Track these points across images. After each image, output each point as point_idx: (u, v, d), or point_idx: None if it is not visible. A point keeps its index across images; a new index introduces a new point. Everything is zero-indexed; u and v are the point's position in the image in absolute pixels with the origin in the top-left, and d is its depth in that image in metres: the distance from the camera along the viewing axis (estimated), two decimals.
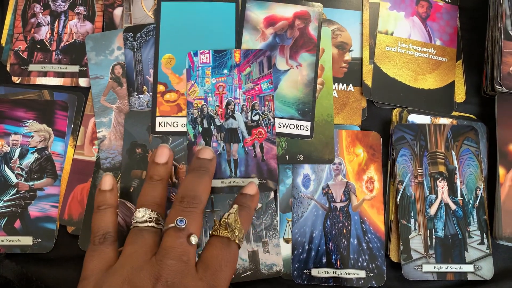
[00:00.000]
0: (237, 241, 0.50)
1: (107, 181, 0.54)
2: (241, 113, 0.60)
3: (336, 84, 0.64)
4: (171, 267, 0.46)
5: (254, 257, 0.57)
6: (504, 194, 0.60)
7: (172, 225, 0.48)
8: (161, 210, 0.52)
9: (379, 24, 0.66)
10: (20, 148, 0.61)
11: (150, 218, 0.50)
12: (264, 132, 0.59)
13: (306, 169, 0.61)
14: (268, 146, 0.59)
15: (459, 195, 0.61)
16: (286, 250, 0.59)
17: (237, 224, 0.50)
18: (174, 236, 0.47)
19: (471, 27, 0.68)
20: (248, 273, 0.57)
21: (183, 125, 0.60)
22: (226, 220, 0.50)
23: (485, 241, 0.60)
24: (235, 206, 0.51)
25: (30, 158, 0.60)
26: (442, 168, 0.61)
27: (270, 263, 0.57)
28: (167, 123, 0.60)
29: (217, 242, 0.49)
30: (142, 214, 0.50)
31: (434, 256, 0.59)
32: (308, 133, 0.61)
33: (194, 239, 0.47)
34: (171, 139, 0.60)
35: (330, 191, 0.61)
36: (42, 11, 0.65)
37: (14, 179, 0.60)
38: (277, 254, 0.58)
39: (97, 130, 0.61)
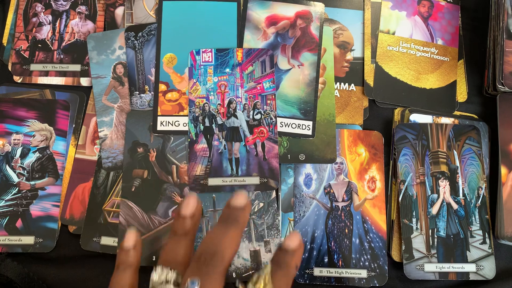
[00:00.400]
0: None
1: (130, 238, 0.48)
2: (242, 112, 0.60)
3: (338, 83, 0.64)
4: None
5: (256, 256, 0.57)
6: (506, 194, 0.60)
7: (185, 286, 0.41)
8: (183, 269, 0.45)
9: (381, 24, 0.66)
10: (21, 148, 0.60)
11: (167, 279, 0.44)
12: (265, 131, 0.59)
13: (308, 168, 0.61)
14: (270, 145, 0.59)
15: (461, 194, 0.61)
16: None
17: None
18: None
19: (472, 27, 0.68)
20: (250, 272, 0.57)
21: (185, 124, 0.60)
22: (253, 286, 0.42)
23: (487, 240, 0.59)
24: (268, 266, 0.43)
25: (32, 158, 0.60)
26: (444, 168, 0.61)
27: None
28: (168, 122, 0.60)
29: None
30: (159, 275, 0.44)
31: (436, 255, 0.58)
32: (310, 132, 0.61)
33: None
34: (172, 138, 0.60)
35: (332, 191, 0.60)
36: (43, 10, 0.65)
37: (15, 179, 0.60)
38: None
39: (99, 130, 0.61)
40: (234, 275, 0.57)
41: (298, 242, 0.45)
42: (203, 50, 0.61)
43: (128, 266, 0.47)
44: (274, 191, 0.59)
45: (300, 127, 0.61)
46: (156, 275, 0.43)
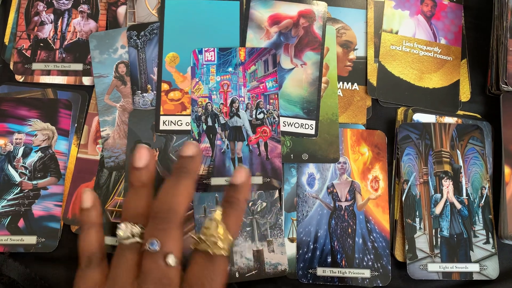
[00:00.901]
0: (222, 253, 0.45)
1: (88, 199, 0.50)
2: (245, 111, 0.60)
3: (341, 83, 0.64)
4: None
5: (259, 256, 0.57)
6: (510, 193, 0.60)
7: (146, 247, 0.44)
8: (146, 220, 0.47)
9: (384, 23, 0.66)
10: (23, 147, 0.60)
11: (133, 233, 0.46)
12: (268, 131, 0.59)
13: (311, 168, 0.61)
14: (273, 145, 0.59)
15: (464, 194, 0.60)
16: (291, 249, 0.58)
17: (220, 233, 0.45)
18: (150, 259, 0.44)
19: (476, 26, 0.68)
20: (253, 272, 0.57)
21: (187, 124, 0.60)
22: (206, 232, 0.45)
23: (491, 240, 0.59)
24: (218, 211, 0.47)
25: (34, 157, 0.60)
26: (447, 167, 0.61)
27: (275, 262, 0.57)
28: (171, 121, 0.60)
29: (198, 258, 0.45)
30: (124, 231, 0.46)
31: (439, 255, 0.58)
32: (313, 132, 0.60)
33: (171, 260, 0.43)
34: (175, 137, 0.60)
35: (335, 190, 0.60)
36: (45, 9, 0.65)
37: (17, 178, 0.59)
38: (282, 254, 0.57)
39: (101, 129, 0.61)
40: (237, 275, 0.56)
41: (245, 176, 0.48)
42: (206, 49, 0.61)
43: (92, 225, 0.49)
44: (277, 190, 0.59)
45: (303, 126, 0.60)
46: (121, 231, 0.46)
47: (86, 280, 0.46)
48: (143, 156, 0.49)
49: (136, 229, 0.46)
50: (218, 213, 0.46)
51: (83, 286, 0.46)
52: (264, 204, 0.59)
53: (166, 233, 0.44)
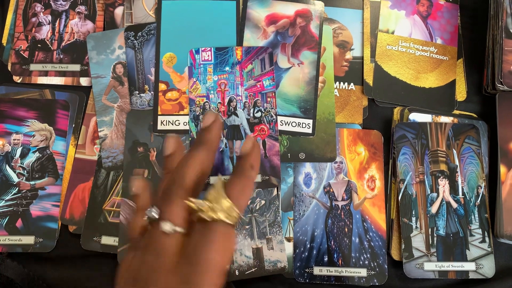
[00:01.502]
0: (220, 217, 0.41)
1: (139, 186, 0.48)
2: (243, 110, 0.60)
3: (337, 83, 0.64)
4: (147, 263, 0.41)
5: (259, 254, 0.57)
6: (505, 192, 0.60)
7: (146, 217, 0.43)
8: None
9: (380, 23, 0.66)
10: (21, 148, 0.60)
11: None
12: (266, 129, 0.59)
13: (308, 167, 0.61)
14: (271, 143, 0.59)
15: (460, 193, 0.61)
16: (288, 248, 0.59)
17: (219, 201, 0.41)
18: (151, 228, 0.42)
19: (472, 26, 0.69)
20: (253, 270, 0.57)
21: (185, 123, 0.60)
22: (204, 198, 0.42)
23: (487, 239, 0.60)
24: (219, 178, 0.43)
25: (32, 158, 0.60)
26: (443, 167, 0.61)
27: (275, 259, 0.57)
28: (169, 121, 0.60)
29: (197, 226, 0.41)
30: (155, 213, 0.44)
31: (435, 254, 0.58)
32: (310, 131, 0.61)
33: (166, 227, 0.41)
34: None
35: (331, 190, 0.61)
36: (43, 10, 0.65)
37: (15, 179, 0.60)
38: (281, 251, 0.58)
39: (99, 129, 0.61)
40: (237, 272, 0.57)
41: (250, 144, 0.46)
42: (203, 49, 0.61)
43: (141, 210, 0.47)
44: (275, 188, 0.59)
45: (300, 125, 0.61)
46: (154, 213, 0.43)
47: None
48: (170, 145, 0.48)
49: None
50: (217, 181, 0.43)
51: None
52: (263, 202, 0.59)
53: (166, 202, 0.42)
